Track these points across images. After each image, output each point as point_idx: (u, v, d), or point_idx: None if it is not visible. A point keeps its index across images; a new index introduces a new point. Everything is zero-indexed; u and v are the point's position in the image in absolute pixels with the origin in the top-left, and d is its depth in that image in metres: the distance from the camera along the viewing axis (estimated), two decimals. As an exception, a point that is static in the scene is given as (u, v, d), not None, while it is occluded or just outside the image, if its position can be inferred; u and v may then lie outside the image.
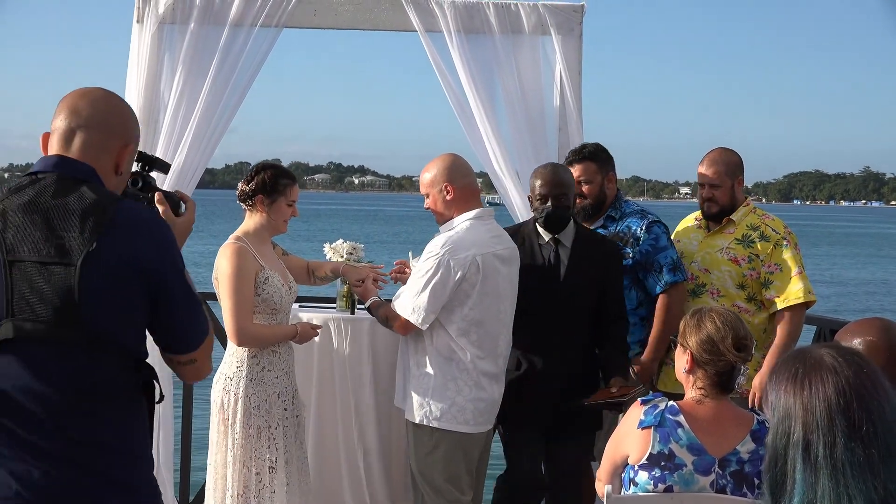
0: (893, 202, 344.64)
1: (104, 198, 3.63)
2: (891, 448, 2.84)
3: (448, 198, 6.45)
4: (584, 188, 6.93)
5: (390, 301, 6.56)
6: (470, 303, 6.29)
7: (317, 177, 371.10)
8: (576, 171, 6.95)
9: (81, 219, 3.54)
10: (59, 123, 3.79)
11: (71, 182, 3.65)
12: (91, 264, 3.49)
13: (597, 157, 7.00)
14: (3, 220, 3.56)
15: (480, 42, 7.75)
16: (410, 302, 6.32)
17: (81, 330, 3.50)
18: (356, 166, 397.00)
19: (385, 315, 6.50)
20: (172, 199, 4.20)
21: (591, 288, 6.55)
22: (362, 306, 6.99)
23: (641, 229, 6.86)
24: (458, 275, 6.23)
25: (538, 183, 6.56)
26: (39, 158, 3.77)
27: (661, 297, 6.83)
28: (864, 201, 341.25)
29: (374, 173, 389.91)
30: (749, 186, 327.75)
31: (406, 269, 6.93)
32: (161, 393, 3.84)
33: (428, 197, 6.55)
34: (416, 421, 6.43)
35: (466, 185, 6.48)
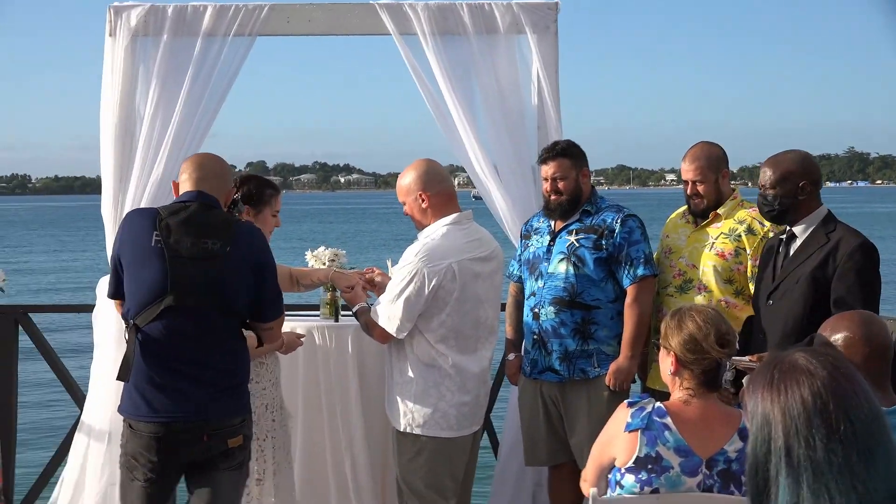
0: (879, 181, 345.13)
1: (228, 218, 5.56)
2: (870, 447, 2.82)
3: (424, 205, 6.45)
4: (560, 184, 6.90)
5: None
6: (448, 310, 6.30)
7: (302, 177, 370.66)
8: (550, 167, 6.93)
9: (218, 230, 5.41)
10: (193, 174, 5.65)
11: (207, 207, 5.50)
12: (228, 260, 5.37)
13: (569, 153, 6.98)
14: (167, 231, 5.35)
15: (456, 43, 7.71)
16: (386, 310, 6.33)
17: (219, 302, 5.40)
18: (341, 165, 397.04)
19: (366, 322, 6.50)
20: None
21: None
22: (347, 313, 6.97)
23: (616, 222, 6.84)
24: (434, 283, 6.23)
25: None
26: (183, 192, 5.62)
27: (629, 290, 6.80)
28: (849, 182, 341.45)
29: (360, 171, 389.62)
30: (735, 171, 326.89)
31: (375, 279, 6.94)
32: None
33: (405, 205, 6.55)
34: (400, 428, 6.44)
35: (441, 192, 6.47)
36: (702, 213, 6.97)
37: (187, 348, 5.43)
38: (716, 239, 6.87)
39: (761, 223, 6.80)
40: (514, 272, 7.28)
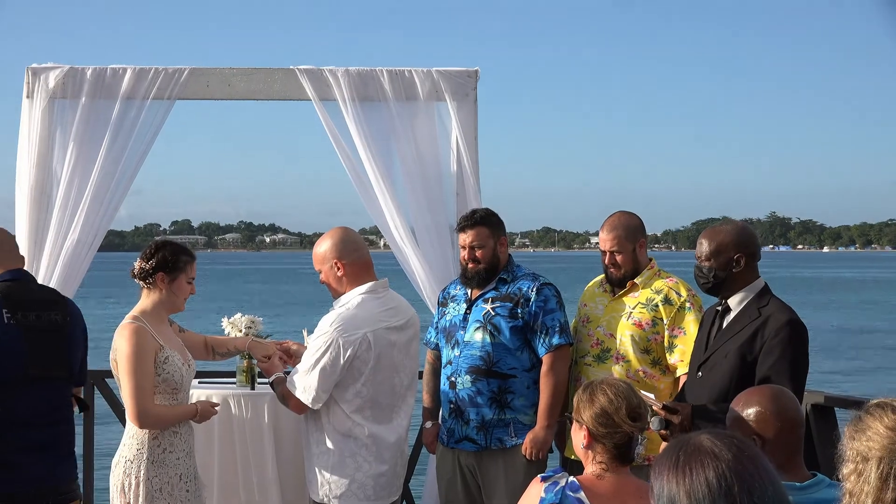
0: (800, 246, 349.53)
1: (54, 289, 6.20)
2: None
3: (339, 273, 6.42)
4: (478, 253, 6.90)
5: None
6: (363, 379, 6.25)
7: (227, 236, 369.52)
8: (468, 236, 6.93)
9: (56, 303, 5.99)
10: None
11: (33, 281, 6.11)
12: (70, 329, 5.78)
13: (487, 221, 6.98)
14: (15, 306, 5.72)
15: (376, 109, 7.75)
16: (301, 381, 6.26)
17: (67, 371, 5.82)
18: (266, 224, 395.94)
19: (282, 393, 6.43)
20: None
21: None
22: (263, 380, 6.91)
23: (532, 290, 6.83)
24: (349, 353, 6.18)
25: None
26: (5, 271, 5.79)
27: (545, 359, 6.78)
28: (771, 246, 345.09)
29: (286, 231, 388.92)
30: (658, 234, 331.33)
31: (291, 349, 6.88)
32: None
33: (320, 273, 6.51)
34: (318, 498, 6.37)
35: (356, 260, 6.44)
36: (619, 283, 6.97)
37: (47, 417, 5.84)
38: (633, 308, 6.87)
39: (678, 293, 6.83)
40: (432, 339, 7.25)
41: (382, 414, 6.35)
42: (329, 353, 6.18)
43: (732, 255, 6.06)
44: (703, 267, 6.16)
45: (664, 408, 5.78)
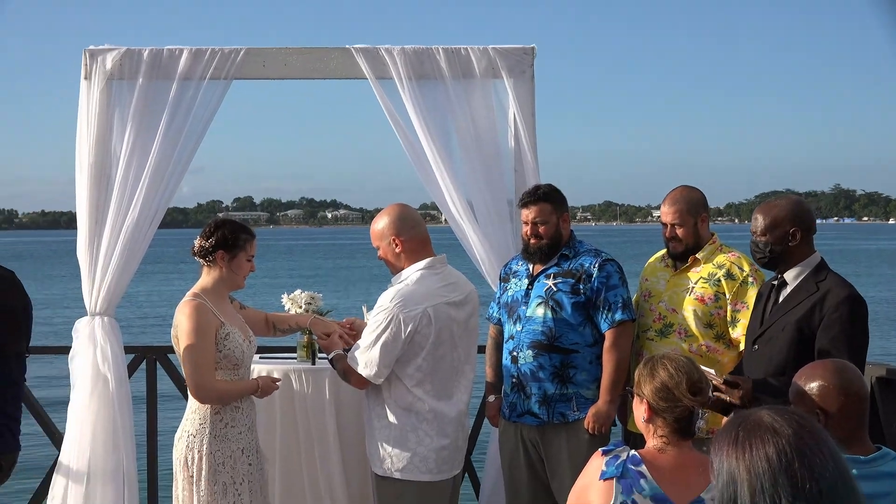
0: (865, 218, 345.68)
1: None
2: None
3: (397, 250, 6.44)
4: (541, 229, 6.88)
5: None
6: (423, 354, 6.27)
7: (289, 212, 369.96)
8: (531, 212, 6.91)
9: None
10: None
11: None
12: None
13: (551, 197, 6.96)
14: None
15: (432, 87, 7.73)
16: (363, 357, 6.29)
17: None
18: (328, 200, 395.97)
19: (343, 369, 6.46)
20: None
21: None
22: (324, 356, 6.93)
23: (594, 267, 6.81)
24: (409, 329, 6.20)
25: None
26: None
27: (608, 334, 6.77)
28: (836, 218, 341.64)
29: (347, 207, 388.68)
30: (721, 207, 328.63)
31: (352, 328, 6.89)
32: None
33: (378, 249, 6.53)
34: (380, 472, 6.40)
35: (415, 237, 6.46)
36: (680, 257, 6.95)
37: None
38: (695, 283, 6.84)
39: (740, 268, 6.79)
40: (494, 314, 7.25)
41: (443, 388, 6.37)
42: (390, 328, 6.21)
43: (788, 229, 6.03)
44: (758, 242, 6.12)
45: (725, 382, 5.75)
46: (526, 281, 6.99)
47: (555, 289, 6.83)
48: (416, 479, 6.35)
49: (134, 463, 7.70)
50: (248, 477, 6.32)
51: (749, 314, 6.59)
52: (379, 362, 6.25)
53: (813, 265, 6.07)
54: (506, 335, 7.05)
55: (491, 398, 7.27)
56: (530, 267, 7.02)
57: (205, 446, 6.20)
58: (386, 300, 6.29)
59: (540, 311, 6.83)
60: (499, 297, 7.25)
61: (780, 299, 6.10)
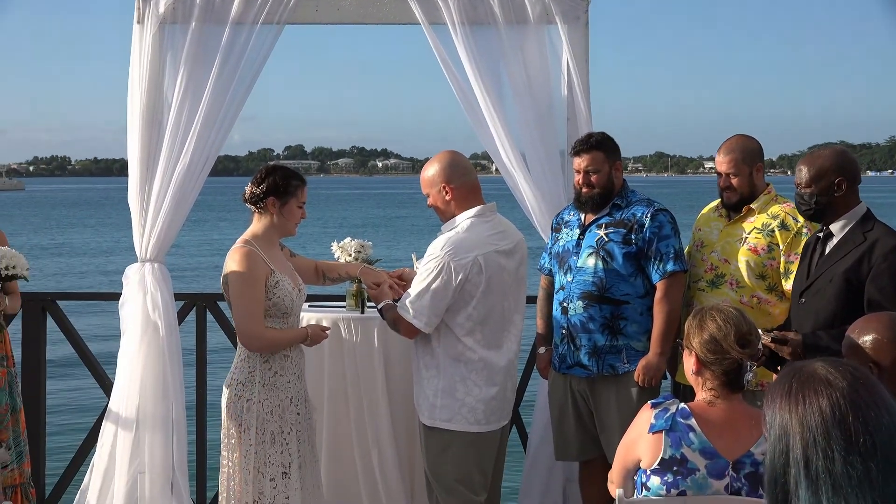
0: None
1: None
2: (891, 460, 2.74)
3: (447, 197, 6.40)
4: (593, 178, 6.82)
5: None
6: (473, 303, 6.25)
7: (340, 161, 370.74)
8: (583, 160, 6.85)
9: None
10: None
11: None
12: None
13: (603, 146, 6.89)
14: None
15: (485, 33, 7.64)
16: (413, 305, 6.27)
17: None
18: (379, 149, 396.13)
19: (393, 318, 6.44)
20: None
21: None
22: (373, 305, 6.93)
23: (646, 217, 6.75)
24: (460, 277, 6.18)
25: None
26: None
27: (658, 285, 6.70)
28: (890, 171, 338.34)
29: (398, 156, 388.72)
30: (774, 159, 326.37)
31: (402, 277, 6.86)
32: None
33: (428, 196, 6.50)
34: (428, 423, 6.39)
35: (465, 184, 6.42)
36: (734, 207, 6.88)
37: None
38: (748, 234, 6.77)
39: (795, 218, 6.70)
40: (545, 265, 7.20)
41: (493, 338, 6.34)
42: (441, 276, 6.18)
43: (833, 179, 5.95)
44: (804, 194, 6.05)
45: (773, 340, 5.70)
46: (577, 231, 6.93)
47: (606, 239, 6.77)
48: (464, 430, 6.35)
49: (183, 411, 7.72)
50: (296, 426, 6.32)
51: None
52: (429, 311, 6.22)
53: (859, 215, 6.00)
54: (556, 286, 7.00)
55: (542, 350, 7.24)
56: (582, 216, 6.97)
57: (254, 395, 6.21)
58: (437, 248, 6.26)
59: (591, 262, 6.77)
60: (550, 248, 7.20)
61: (827, 251, 6.04)
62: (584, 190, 6.88)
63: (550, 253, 7.17)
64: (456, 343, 6.29)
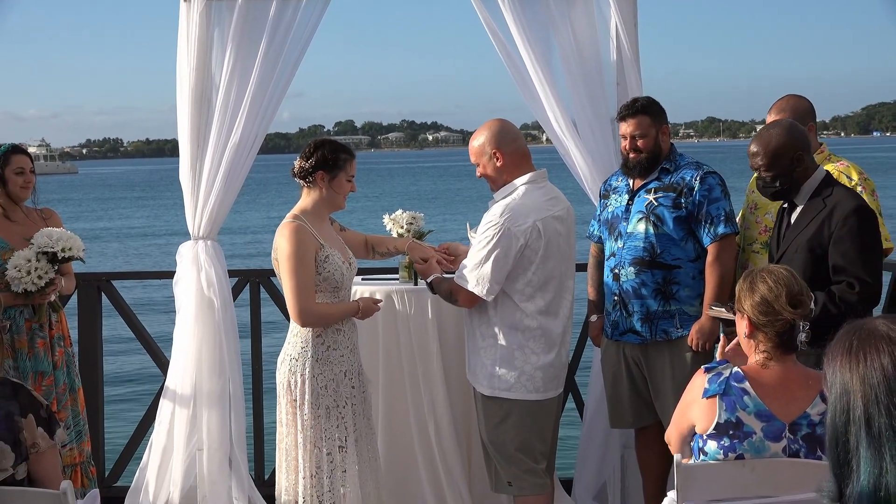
0: None
1: None
2: None
3: (498, 164, 6.38)
4: (640, 142, 6.78)
5: (451, 276, 6.49)
6: (533, 268, 6.24)
7: (390, 135, 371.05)
8: (629, 125, 6.82)
9: None
10: None
11: None
12: None
13: (649, 110, 6.85)
14: None
15: (533, 2, 7.59)
16: (474, 273, 6.25)
17: None
18: (429, 123, 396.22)
19: (448, 289, 6.44)
20: None
21: None
22: (422, 281, 6.92)
23: (696, 180, 6.70)
24: (521, 243, 6.17)
25: None
26: None
27: (710, 249, 6.65)
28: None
29: (448, 129, 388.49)
30: (827, 121, 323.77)
31: (449, 251, 6.88)
32: None
33: (478, 165, 6.48)
34: (486, 392, 6.39)
35: (516, 150, 6.40)
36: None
37: None
38: (803, 194, 6.71)
39: (849, 177, 6.65)
40: (595, 232, 7.19)
41: (551, 304, 6.34)
42: (501, 243, 6.17)
43: (791, 155, 6.03)
44: (765, 178, 6.10)
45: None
46: (626, 196, 6.90)
47: (655, 203, 6.74)
48: (523, 398, 6.34)
49: (240, 387, 7.75)
50: (351, 400, 6.34)
51: None
52: (491, 278, 6.21)
53: (818, 180, 6.06)
54: (607, 252, 6.97)
55: (593, 318, 7.23)
56: (630, 182, 6.94)
57: (307, 370, 6.23)
58: (495, 215, 6.24)
59: (641, 227, 6.75)
60: (599, 215, 7.18)
61: (792, 220, 6.08)
62: (632, 155, 6.84)
63: (599, 220, 7.14)
64: (514, 311, 6.28)
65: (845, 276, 5.72)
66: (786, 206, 6.14)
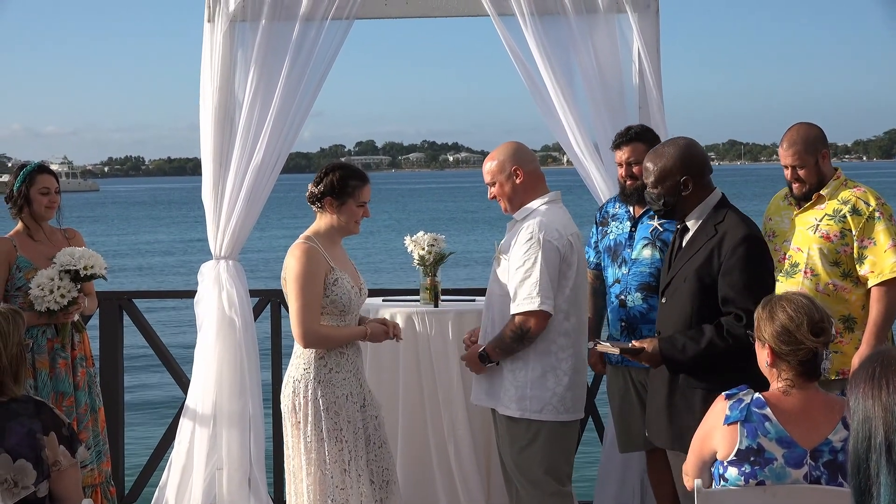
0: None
1: None
2: None
3: (518, 181, 6.39)
4: (635, 169, 6.79)
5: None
6: (570, 283, 6.25)
7: (411, 156, 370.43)
8: (625, 152, 6.89)
9: None
10: None
11: None
12: None
13: (644, 137, 6.90)
14: None
15: (555, 23, 7.63)
16: (531, 291, 6.18)
17: None
18: (450, 143, 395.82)
19: (513, 330, 6.29)
20: None
21: None
22: (447, 298, 6.86)
23: None
24: (560, 254, 6.19)
25: None
26: None
27: None
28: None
29: (468, 150, 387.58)
30: (849, 145, 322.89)
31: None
32: None
33: (494, 185, 6.47)
34: (515, 414, 6.34)
35: (535, 170, 6.45)
36: (804, 197, 6.81)
37: None
38: (820, 221, 6.70)
39: (866, 203, 6.65)
40: (591, 259, 7.19)
41: (581, 323, 6.36)
42: (545, 255, 6.16)
43: (678, 178, 5.94)
44: (651, 194, 6.04)
45: (624, 351, 5.98)
46: (628, 223, 6.94)
47: (661, 229, 6.77)
48: (554, 420, 6.31)
49: (260, 407, 7.79)
50: (355, 423, 6.30)
51: (877, 250, 6.56)
52: (549, 291, 6.16)
53: (711, 205, 5.97)
54: (610, 279, 6.98)
55: (591, 344, 7.21)
56: (631, 209, 6.96)
57: (309, 392, 6.21)
58: (532, 233, 6.22)
59: (647, 253, 6.77)
60: (596, 242, 7.22)
61: (683, 245, 6.01)
62: (628, 182, 6.89)
63: (597, 248, 7.18)
64: (549, 331, 6.25)
65: (734, 307, 5.63)
66: (679, 227, 6.09)
